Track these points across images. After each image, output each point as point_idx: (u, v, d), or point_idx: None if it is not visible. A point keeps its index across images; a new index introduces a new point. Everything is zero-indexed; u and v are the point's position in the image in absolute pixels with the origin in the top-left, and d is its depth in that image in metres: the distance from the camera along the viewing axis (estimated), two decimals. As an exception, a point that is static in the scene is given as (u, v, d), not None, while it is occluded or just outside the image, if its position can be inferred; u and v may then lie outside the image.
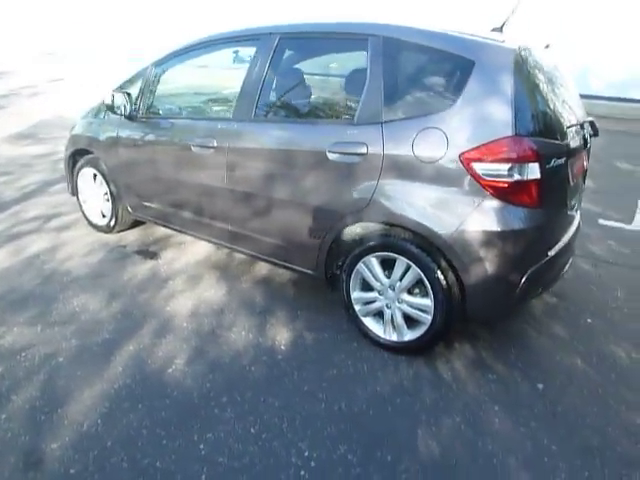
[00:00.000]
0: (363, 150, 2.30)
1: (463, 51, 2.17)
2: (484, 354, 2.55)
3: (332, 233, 2.49)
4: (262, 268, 3.37)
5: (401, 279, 2.37)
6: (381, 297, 2.47)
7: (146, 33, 15.32)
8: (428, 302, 2.30)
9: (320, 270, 2.63)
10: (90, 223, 3.97)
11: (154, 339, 2.60)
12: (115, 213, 3.71)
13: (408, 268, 2.32)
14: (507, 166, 2.05)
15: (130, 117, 3.26)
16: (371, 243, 2.39)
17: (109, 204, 3.74)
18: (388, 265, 2.42)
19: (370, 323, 2.56)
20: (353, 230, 2.45)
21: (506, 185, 2.07)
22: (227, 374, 2.35)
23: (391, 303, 2.44)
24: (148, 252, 3.62)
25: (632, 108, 8.99)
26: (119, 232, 3.87)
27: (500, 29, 2.60)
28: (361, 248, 2.43)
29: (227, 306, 2.93)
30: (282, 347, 2.56)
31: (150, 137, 3.21)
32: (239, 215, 2.87)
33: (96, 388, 2.24)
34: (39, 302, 2.92)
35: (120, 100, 3.13)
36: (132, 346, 2.54)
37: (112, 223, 3.78)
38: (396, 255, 2.34)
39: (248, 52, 2.90)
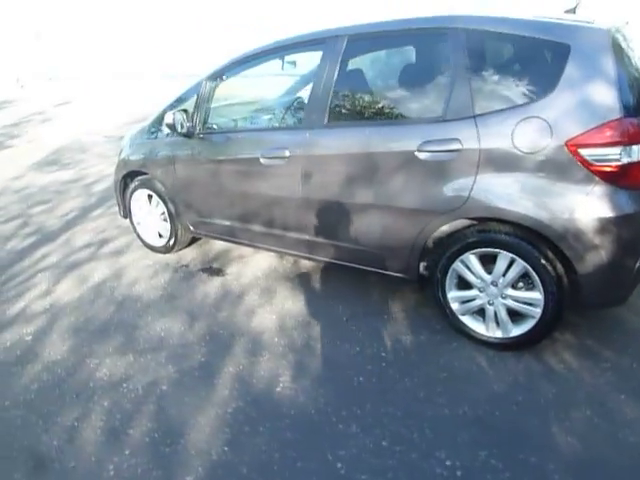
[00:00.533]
0: (457, 146, 2.25)
1: (556, 36, 2.11)
2: (589, 342, 2.49)
3: (425, 233, 2.44)
4: (334, 274, 3.32)
5: (504, 274, 2.31)
6: (482, 294, 2.41)
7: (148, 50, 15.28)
8: (537, 295, 2.25)
9: (412, 272, 2.58)
10: (146, 245, 3.94)
11: (251, 358, 2.56)
12: (174, 232, 3.67)
13: (512, 262, 2.27)
14: (618, 149, 1.99)
15: (188, 134, 3.21)
16: (470, 240, 2.34)
17: (167, 224, 3.69)
18: (486, 261, 2.37)
19: (470, 322, 2.51)
20: (449, 228, 2.40)
21: (617, 169, 2.01)
22: (337, 387, 2.31)
23: (493, 299, 2.39)
24: (212, 269, 3.58)
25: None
26: (177, 251, 3.83)
27: (573, 11, 2.54)
28: (458, 246, 2.37)
29: (312, 317, 2.88)
30: (382, 354, 2.51)
31: (212, 153, 3.17)
32: (318, 224, 2.82)
33: (210, 414, 2.20)
34: (121, 330, 2.88)
35: (178, 118, 3.07)
36: (231, 367, 2.49)
37: (171, 243, 3.74)
38: (498, 250, 2.28)
39: (298, 57, 2.86)
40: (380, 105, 2.59)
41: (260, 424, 2.12)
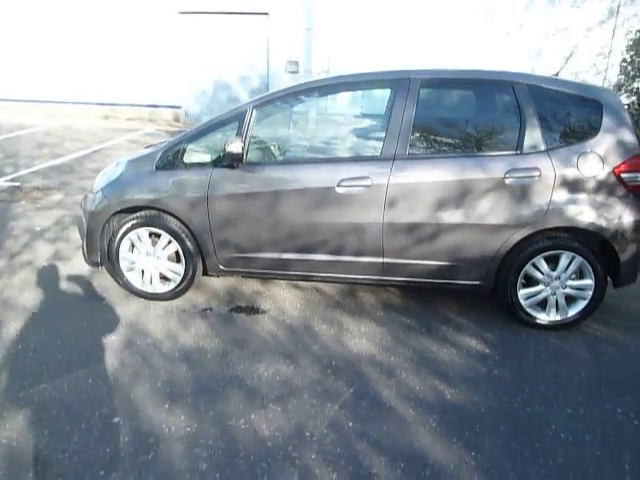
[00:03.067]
0: (537, 173, 2.88)
1: (592, 95, 2.97)
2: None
3: (507, 244, 2.98)
4: (378, 294, 3.54)
5: (566, 269, 3.03)
6: (547, 288, 3.07)
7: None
8: (589, 281, 3.03)
9: (490, 279, 3.08)
10: (138, 293, 3.40)
11: (388, 379, 2.63)
12: (190, 274, 3.30)
13: (572, 259, 3.00)
14: (640, 173, 2.93)
15: (231, 165, 3.03)
16: (541, 245, 2.98)
17: (178, 266, 3.30)
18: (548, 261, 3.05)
19: (534, 312, 3.13)
20: (528, 238, 2.99)
21: (640, 186, 2.95)
22: (504, 415, 2.39)
23: (556, 290, 3.08)
24: (244, 308, 3.36)
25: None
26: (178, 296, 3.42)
27: (556, 75, 3.50)
28: (531, 250, 2.99)
29: (398, 340, 3.03)
30: (494, 372, 2.81)
31: (266, 184, 3.06)
32: (398, 246, 3.06)
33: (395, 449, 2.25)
34: (232, 388, 2.53)
35: (239, 146, 2.90)
36: (388, 389, 2.54)
37: (182, 286, 3.34)
38: (561, 251, 2.99)
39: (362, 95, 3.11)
40: (462, 140, 3.05)
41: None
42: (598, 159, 2.89)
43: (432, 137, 3.04)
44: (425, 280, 3.17)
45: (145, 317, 3.21)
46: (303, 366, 2.73)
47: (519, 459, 2.13)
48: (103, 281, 3.64)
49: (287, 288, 3.63)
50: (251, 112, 3.09)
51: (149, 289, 3.39)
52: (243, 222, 3.15)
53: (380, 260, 3.11)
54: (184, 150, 3.18)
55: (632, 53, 7.64)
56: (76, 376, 2.57)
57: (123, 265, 3.35)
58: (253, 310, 3.33)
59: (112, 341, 2.91)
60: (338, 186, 2.99)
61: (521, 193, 2.91)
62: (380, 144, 3.01)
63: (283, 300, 3.47)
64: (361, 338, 3.02)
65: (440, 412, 2.39)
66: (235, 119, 3.13)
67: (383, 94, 3.17)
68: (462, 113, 3.13)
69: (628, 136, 2.93)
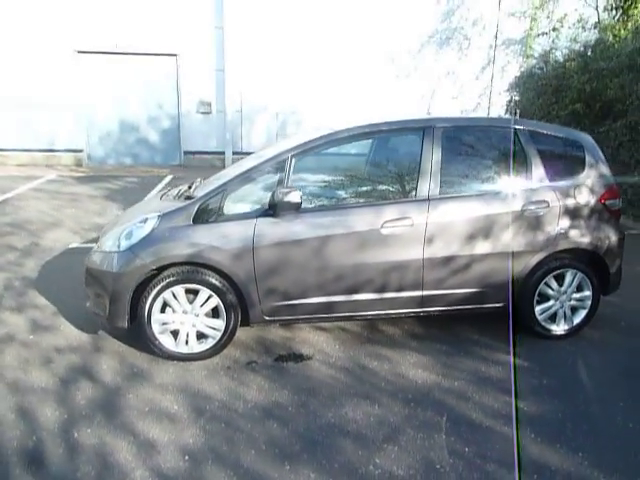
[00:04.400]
0: (546, 205, 3.36)
1: (574, 137, 3.58)
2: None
3: (527, 268, 3.40)
4: (398, 325, 3.72)
5: (571, 284, 3.53)
6: (557, 302, 3.54)
7: None
8: (588, 293, 3.55)
9: (509, 300, 3.46)
10: (171, 355, 3.18)
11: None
12: (232, 327, 3.19)
13: (575, 275, 3.51)
14: (618, 200, 3.57)
15: (275, 213, 3.07)
16: (552, 265, 3.45)
17: (218, 321, 3.18)
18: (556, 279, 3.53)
19: (548, 325, 3.57)
20: (542, 260, 3.42)
21: (618, 210, 3.58)
22: (581, 416, 2.71)
23: (563, 303, 3.55)
24: (291, 356, 3.31)
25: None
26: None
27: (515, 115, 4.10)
28: (544, 271, 3.44)
29: (448, 366, 3.23)
30: (544, 382, 3.19)
31: (312, 230, 3.13)
32: (434, 279, 3.30)
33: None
34: (339, 441, 2.51)
35: (294, 197, 2.96)
36: (466, 423, 2.72)
37: (222, 342, 3.21)
38: (568, 269, 3.49)
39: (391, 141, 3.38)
40: (482, 178, 3.42)
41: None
42: (588, 190, 3.46)
43: (458, 177, 3.38)
44: (458, 307, 3.45)
45: (193, 380, 3.01)
46: (386, 404, 2.80)
47: (622, 452, 2.44)
48: (112, 346, 3.35)
49: (313, 331, 3.65)
50: (290, 161, 3.16)
51: (184, 350, 3.19)
52: (290, 269, 3.16)
53: (420, 293, 3.33)
54: (223, 201, 3.12)
55: (514, 93, 9.02)
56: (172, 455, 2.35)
57: (154, 329, 3.12)
58: (297, 357, 3.31)
59: (179, 412, 2.70)
60: (382, 227, 3.17)
61: (536, 222, 3.36)
62: (414, 186, 3.27)
63: (318, 343, 3.49)
64: (416, 369, 3.18)
65: (529, 423, 2.64)
66: (275, 168, 3.17)
67: (400, 141, 3.47)
68: (479, 155, 3.53)
69: (605, 170, 3.56)
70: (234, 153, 11.04)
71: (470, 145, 3.50)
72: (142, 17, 10.16)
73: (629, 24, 8.24)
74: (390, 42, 10.80)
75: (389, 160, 3.40)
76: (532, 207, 3.35)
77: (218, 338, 3.20)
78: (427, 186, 3.26)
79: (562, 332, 3.59)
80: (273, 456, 2.37)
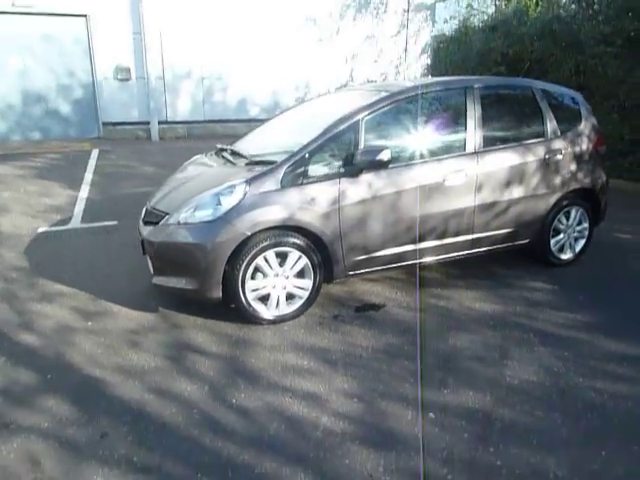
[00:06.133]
0: (560, 152, 3.95)
1: (571, 94, 4.21)
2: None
3: (547, 207, 3.97)
4: (439, 270, 4.13)
5: (575, 218, 4.21)
6: (565, 235, 4.21)
7: None
8: (586, 225, 4.28)
9: (535, 236, 4.03)
10: (261, 320, 3.26)
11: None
12: (317, 285, 3.35)
13: (578, 211, 4.20)
14: (604, 146, 4.30)
15: (355, 173, 3.26)
16: (563, 204, 4.07)
17: (305, 280, 3.31)
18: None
19: (558, 254, 4.24)
20: (558, 200, 4.02)
21: (604, 154, 4.31)
22: None
23: (569, 235, 4.23)
24: (367, 306, 3.56)
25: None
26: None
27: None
28: (558, 209, 4.05)
29: (510, 298, 3.77)
30: (580, 298, 3.86)
31: (390, 185, 3.36)
32: (482, 223, 3.75)
33: None
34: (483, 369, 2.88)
35: (386, 155, 3.17)
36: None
37: (309, 300, 3.36)
38: (573, 206, 4.15)
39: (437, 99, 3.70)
40: (513, 132, 3.89)
41: None
42: (587, 138, 4.12)
43: (493, 132, 3.80)
44: (498, 246, 3.95)
45: (298, 338, 3.14)
46: (478, 331, 3.22)
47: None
48: (188, 321, 3.34)
49: (366, 283, 3.92)
50: (363, 122, 3.32)
51: (275, 312, 3.29)
52: (370, 225, 3.38)
53: (470, 237, 3.76)
54: (307, 164, 3.20)
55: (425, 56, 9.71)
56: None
57: (248, 295, 3.17)
58: (372, 306, 3.57)
59: (314, 366, 2.85)
60: (445, 180, 3.51)
61: (554, 168, 3.95)
62: (463, 140, 3.64)
63: (380, 292, 3.78)
64: (478, 302, 3.63)
65: (597, 329, 3.24)
66: (348, 129, 3.31)
67: (446, 99, 3.79)
68: (506, 111, 3.99)
69: (594, 120, 4.26)
70: (159, 123, 10.45)
71: (499, 102, 3.95)
72: (41, -29, 8.98)
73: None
74: (312, 6, 10.87)
75: (440, 117, 3.70)
76: (552, 155, 3.92)
77: (306, 297, 3.34)
78: (473, 140, 3.65)
79: (569, 258, 4.29)
80: (428, 385, 2.66)
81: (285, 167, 3.17)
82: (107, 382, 2.70)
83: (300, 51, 11.00)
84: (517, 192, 3.82)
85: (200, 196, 3.19)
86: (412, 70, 11.92)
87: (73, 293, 3.75)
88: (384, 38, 11.65)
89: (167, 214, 3.28)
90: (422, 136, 3.58)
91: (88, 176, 7.53)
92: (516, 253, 4.22)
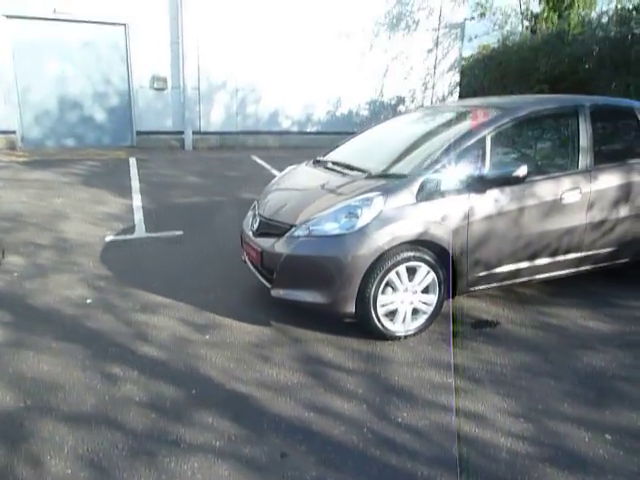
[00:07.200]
0: (653, 172, 3.99)
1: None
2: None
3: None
4: (533, 287, 4.11)
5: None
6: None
7: None
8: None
9: (635, 255, 4.04)
10: (389, 336, 3.21)
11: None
12: (441, 301, 3.32)
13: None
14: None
15: (482, 189, 3.25)
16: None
17: (430, 296, 3.27)
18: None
19: (650, 273, 4.26)
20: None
21: None
22: None
23: (662, 255, 4.26)
24: (481, 322, 3.53)
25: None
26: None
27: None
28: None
29: (609, 316, 3.75)
30: None
31: (514, 201, 3.35)
32: (590, 241, 3.74)
33: None
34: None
35: (522, 172, 3.17)
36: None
37: (433, 316, 3.32)
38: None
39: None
40: (619, 151, 3.91)
41: None
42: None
43: (603, 151, 3.83)
44: (600, 265, 3.94)
45: (429, 354, 3.10)
46: (606, 351, 3.18)
47: None
48: (308, 335, 3.28)
49: (473, 299, 3.87)
50: (489, 138, 3.32)
51: (401, 328, 3.24)
52: (493, 241, 3.36)
53: (579, 255, 3.76)
54: (439, 179, 3.18)
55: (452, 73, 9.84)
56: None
57: (379, 310, 3.13)
58: (487, 323, 3.54)
59: (463, 383, 2.80)
60: (562, 197, 3.51)
61: (652, 187, 3.98)
62: (576, 159, 3.65)
63: (489, 309, 3.74)
64: (589, 320, 3.61)
65: None
66: (477, 145, 3.30)
67: (558, 117, 3.81)
68: (613, 130, 4.02)
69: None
70: (193, 133, 10.41)
71: (606, 121, 3.98)
72: (84, -21, 8.97)
73: (571, 14, 9.45)
74: (346, 22, 10.96)
75: (555, 134, 3.72)
76: (650, 174, 3.95)
77: (430, 313, 3.30)
78: (585, 158, 3.66)
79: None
80: (586, 405, 2.62)
81: (420, 181, 3.15)
82: (257, 398, 2.62)
83: (333, 66, 11.07)
84: (623, 211, 3.83)
85: (333, 208, 3.15)
86: (439, 87, 12.05)
87: (172, 304, 3.68)
88: (414, 55, 11.77)
89: (292, 226, 3.24)
90: (539, 153, 3.60)
91: (135, 184, 7.47)
92: (602, 273, 4.21)
